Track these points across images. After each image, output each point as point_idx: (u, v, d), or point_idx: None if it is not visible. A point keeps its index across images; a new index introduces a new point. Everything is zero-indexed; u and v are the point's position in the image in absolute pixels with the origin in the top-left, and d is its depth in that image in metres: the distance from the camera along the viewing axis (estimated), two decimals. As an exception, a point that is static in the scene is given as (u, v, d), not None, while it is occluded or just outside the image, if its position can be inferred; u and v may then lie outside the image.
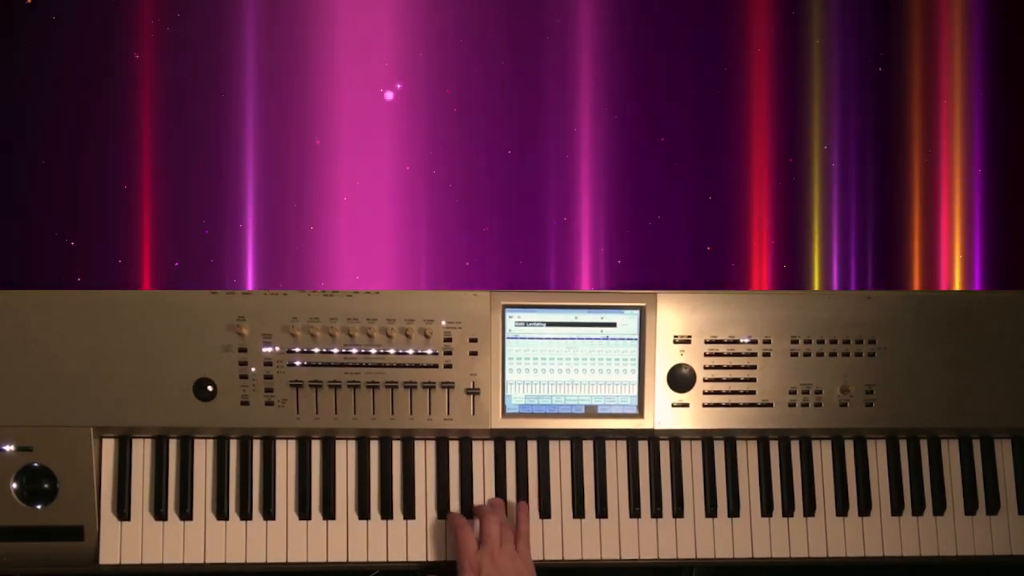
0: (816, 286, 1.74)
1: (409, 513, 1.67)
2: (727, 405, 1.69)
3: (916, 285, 1.75)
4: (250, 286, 1.67)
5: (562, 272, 1.71)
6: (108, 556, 1.63)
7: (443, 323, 1.65)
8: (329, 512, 1.66)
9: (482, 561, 1.56)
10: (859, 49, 1.74)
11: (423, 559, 1.67)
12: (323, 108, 1.69)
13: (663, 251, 1.74)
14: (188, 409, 1.62)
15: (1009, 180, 1.79)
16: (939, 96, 1.76)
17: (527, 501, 1.68)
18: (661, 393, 1.68)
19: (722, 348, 1.69)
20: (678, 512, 1.70)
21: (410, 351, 1.65)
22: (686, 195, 1.74)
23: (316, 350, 1.64)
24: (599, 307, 1.67)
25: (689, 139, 1.73)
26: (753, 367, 1.69)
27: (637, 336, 1.68)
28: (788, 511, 1.72)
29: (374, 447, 1.69)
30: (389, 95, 1.68)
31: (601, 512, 1.70)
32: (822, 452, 1.74)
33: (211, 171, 1.68)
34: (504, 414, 1.67)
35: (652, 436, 1.71)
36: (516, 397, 1.68)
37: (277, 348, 1.63)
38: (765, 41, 1.73)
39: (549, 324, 1.67)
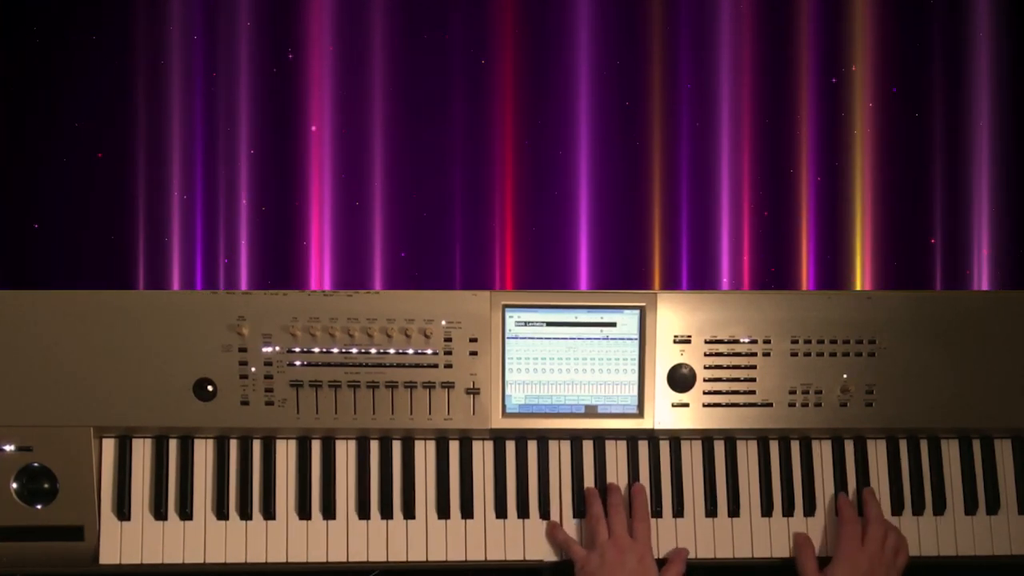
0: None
1: (409, 513, 1.67)
2: (727, 405, 1.69)
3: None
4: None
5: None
6: (108, 556, 1.63)
7: (443, 323, 1.65)
8: (329, 512, 1.66)
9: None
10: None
11: (423, 559, 1.67)
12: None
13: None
14: (188, 409, 1.62)
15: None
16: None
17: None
18: (661, 393, 1.68)
19: (722, 348, 1.68)
20: (678, 512, 1.70)
21: (410, 351, 1.65)
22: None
23: (316, 350, 1.64)
24: (599, 307, 1.67)
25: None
26: (753, 367, 1.69)
27: (637, 336, 1.68)
28: (788, 511, 1.71)
29: (374, 447, 1.69)
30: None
31: (601, 512, 1.70)
32: (822, 452, 1.74)
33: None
34: (504, 414, 1.67)
35: (652, 436, 1.71)
36: (516, 397, 1.68)
37: (277, 348, 1.63)
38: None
39: (549, 324, 1.67)
